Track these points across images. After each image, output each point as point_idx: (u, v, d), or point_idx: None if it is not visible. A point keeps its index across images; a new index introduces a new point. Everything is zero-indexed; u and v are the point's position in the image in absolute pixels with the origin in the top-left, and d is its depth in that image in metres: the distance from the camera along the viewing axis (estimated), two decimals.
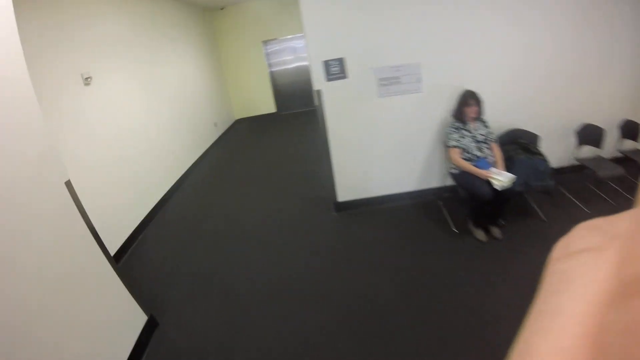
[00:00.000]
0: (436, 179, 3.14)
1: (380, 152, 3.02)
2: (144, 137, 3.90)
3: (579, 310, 0.16)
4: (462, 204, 2.78)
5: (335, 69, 2.73)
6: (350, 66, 2.73)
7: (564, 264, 0.18)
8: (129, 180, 3.46)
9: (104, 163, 3.13)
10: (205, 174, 4.95)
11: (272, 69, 7.71)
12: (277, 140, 6.12)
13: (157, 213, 3.85)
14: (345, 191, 3.17)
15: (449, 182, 2.92)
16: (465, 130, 2.50)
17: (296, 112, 7.95)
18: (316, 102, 2.89)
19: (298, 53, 7.54)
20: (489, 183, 2.29)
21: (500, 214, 2.55)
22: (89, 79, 3.08)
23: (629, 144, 2.93)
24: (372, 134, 2.96)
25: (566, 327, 0.15)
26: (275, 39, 7.41)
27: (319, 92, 2.82)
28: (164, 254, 3.08)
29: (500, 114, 2.84)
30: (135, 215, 3.48)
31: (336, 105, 2.87)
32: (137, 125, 3.80)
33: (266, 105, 7.96)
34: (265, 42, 7.44)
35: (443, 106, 2.85)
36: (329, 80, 2.77)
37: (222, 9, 7.19)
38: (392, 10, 2.58)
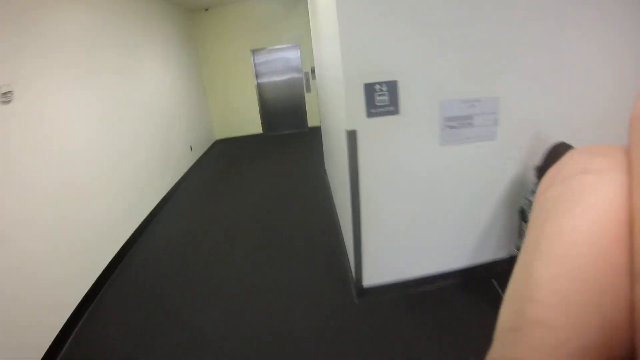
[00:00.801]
0: (490, 252, 2.33)
1: (432, 218, 2.16)
2: (96, 170, 2.87)
3: (584, 230, 0.13)
4: None
5: (383, 99, 1.87)
6: (403, 96, 1.88)
7: (558, 187, 0.15)
8: (69, 239, 2.41)
9: (33, 218, 2.09)
10: (176, 216, 3.90)
11: (260, 83, 6.80)
12: (266, 171, 5.12)
13: (113, 277, 2.80)
14: (375, 272, 2.26)
15: (501, 254, 2.21)
16: None
17: (286, 135, 7.06)
18: (345, 147, 1.98)
19: (291, 65, 6.70)
20: None
21: None
22: (8, 95, 2.06)
23: None
24: (424, 195, 2.10)
25: (572, 249, 0.13)
26: (264, 48, 6.54)
27: (352, 133, 1.92)
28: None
29: None
30: (75, 288, 2.42)
31: (377, 154, 1.95)
32: (86, 154, 2.77)
33: (252, 124, 7.01)
34: (254, 52, 6.55)
35: (520, 159, 2.07)
36: (372, 115, 1.89)
37: (206, 10, 6.24)
38: (467, 19, 1.78)
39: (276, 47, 6.51)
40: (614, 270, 0.13)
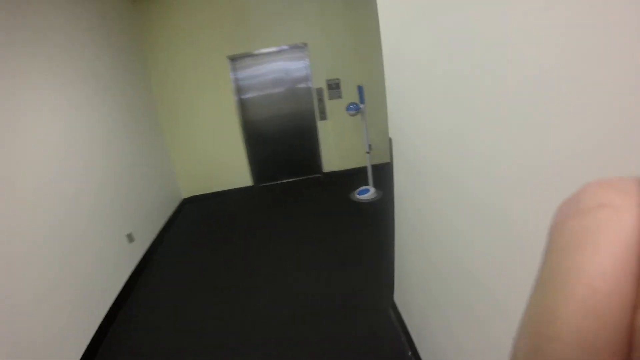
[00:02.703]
0: None
1: None
2: None
3: (603, 267, 0.14)
4: None
5: None
6: None
7: (576, 221, 0.15)
8: None
9: None
10: None
11: (246, 110, 4.35)
12: (264, 267, 2.70)
13: None
14: None
15: None
16: None
17: (288, 185, 4.58)
18: None
19: (293, 78, 4.26)
20: None
21: None
22: None
23: None
24: None
25: (590, 286, 0.14)
26: (249, 54, 4.10)
27: None
28: None
29: None
30: None
31: None
32: None
33: (236, 173, 4.54)
34: (235, 61, 4.11)
35: None
36: None
37: None
38: None
39: (269, 50, 4.07)
40: (631, 308, 0.13)
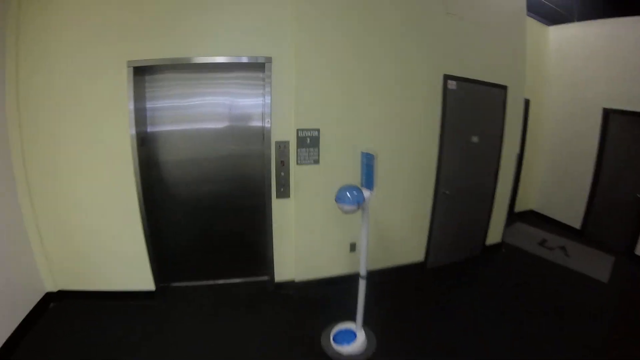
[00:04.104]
0: None
1: None
2: None
3: None
4: None
5: None
6: None
7: None
8: None
9: None
10: None
11: (152, 157, 2.32)
12: None
13: None
14: None
15: None
16: None
17: (219, 292, 2.55)
18: None
19: (238, 117, 2.40)
20: None
21: None
22: None
23: None
24: None
25: None
26: (163, 66, 2.15)
27: None
28: None
29: None
30: None
31: None
32: None
33: (126, 264, 2.44)
34: (142, 72, 2.11)
35: None
36: None
37: None
38: None
39: (202, 61, 2.16)
40: None
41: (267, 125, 2.28)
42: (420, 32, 2.49)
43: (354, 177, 2.12)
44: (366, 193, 1.81)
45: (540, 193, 4.46)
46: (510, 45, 2.95)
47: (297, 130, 2.30)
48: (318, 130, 2.34)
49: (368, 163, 1.84)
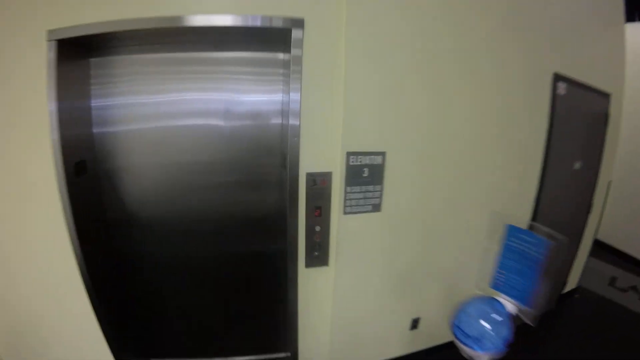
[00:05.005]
0: None
1: None
2: None
3: None
4: None
5: None
6: None
7: None
8: None
9: None
10: None
11: (102, 189, 1.30)
12: None
13: None
14: None
15: None
16: None
17: None
18: None
19: (249, 111, 1.35)
20: None
21: None
22: None
23: None
24: None
25: None
26: (113, 30, 1.11)
27: None
28: None
29: None
30: None
31: None
32: None
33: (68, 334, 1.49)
34: (81, 50, 1.09)
35: None
36: None
37: None
38: None
39: (180, 24, 1.12)
40: None
41: (294, 144, 1.26)
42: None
43: (442, 239, 1.13)
44: (510, 309, 0.82)
45: (605, 218, 3.48)
46: (607, 41, 1.96)
47: (347, 154, 1.29)
48: (383, 154, 1.32)
49: (528, 252, 0.83)
